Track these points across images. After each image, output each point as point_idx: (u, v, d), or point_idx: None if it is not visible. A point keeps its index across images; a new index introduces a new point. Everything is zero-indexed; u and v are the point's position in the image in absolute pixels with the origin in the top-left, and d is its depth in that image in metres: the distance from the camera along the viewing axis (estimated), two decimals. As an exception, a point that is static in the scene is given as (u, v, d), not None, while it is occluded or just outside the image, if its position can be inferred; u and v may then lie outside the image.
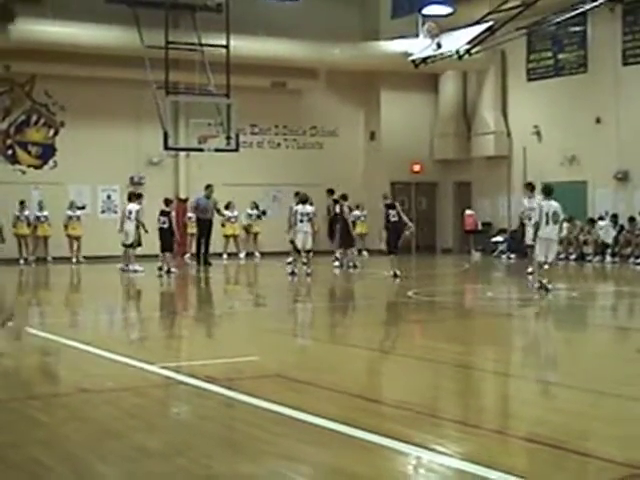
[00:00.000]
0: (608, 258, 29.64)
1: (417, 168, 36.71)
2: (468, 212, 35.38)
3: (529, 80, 34.12)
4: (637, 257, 28.65)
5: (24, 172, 31.86)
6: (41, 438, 6.85)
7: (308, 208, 24.70)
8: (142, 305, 19.80)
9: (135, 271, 25.48)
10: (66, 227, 31.06)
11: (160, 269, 25.02)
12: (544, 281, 18.55)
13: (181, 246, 30.98)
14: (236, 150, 28.06)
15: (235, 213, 32.48)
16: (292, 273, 24.37)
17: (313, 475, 6.08)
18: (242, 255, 32.68)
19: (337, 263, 27.51)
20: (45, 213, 31.11)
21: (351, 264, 27.36)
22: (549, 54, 33.23)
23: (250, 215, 33.34)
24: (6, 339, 13.29)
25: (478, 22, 28.51)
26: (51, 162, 32.29)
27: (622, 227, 29.94)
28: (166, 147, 28.16)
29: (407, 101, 36.69)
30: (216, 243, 30.04)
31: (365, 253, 33.56)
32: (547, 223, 18.46)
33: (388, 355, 11.85)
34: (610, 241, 29.81)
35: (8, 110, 31.78)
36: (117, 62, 30.48)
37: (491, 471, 5.76)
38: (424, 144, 36.98)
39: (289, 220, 25.13)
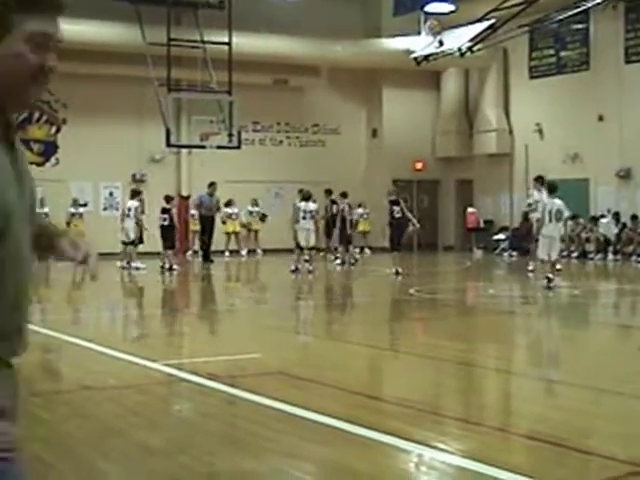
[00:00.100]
0: (610, 256, 29.64)
1: (419, 166, 36.75)
2: (470, 210, 35.38)
3: (531, 78, 34.12)
4: (639, 255, 28.64)
5: (26, 169, 31.86)
6: (43, 435, 6.85)
7: (311, 205, 24.74)
8: (144, 302, 19.82)
9: (137, 268, 25.50)
10: (68, 224, 31.05)
11: (162, 267, 25.05)
12: (550, 276, 18.50)
13: (183, 243, 31.00)
14: (238, 147, 28.06)
15: (236, 210, 32.46)
16: (295, 270, 24.35)
17: (315, 472, 6.09)
18: (244, 252, 32.68)
19: (339, 261, 27.52)
20: (46, 210, 31.11)
21: (352, 260, 27.43)
22: (551, 52, 33.22)
23: (251, 212, 33.31)
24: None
25: (480, 20, 28.50)
26: (53, 159, 32.31)
27: (624, 225, 29.94)
28: (168, 144, 28.17)
29: (409, 99, 36.69)
30: (217, 240, 30.06)
31: (367, 251, 33.58)
32: (550, 221, 18.47)
33: (390, 353, 11.86)
34: (612, 237, 29.81)
35: (10, 107, 31.78)
36: (119, 59, 30.49)
37: (493, 469, 5.76)
38: (426, 142, 36.98)
39: (293, 217, 25.14)
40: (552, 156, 32.05)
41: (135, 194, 26.15)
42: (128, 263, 25.84)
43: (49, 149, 32.31)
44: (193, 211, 31.52)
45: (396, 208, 23.65)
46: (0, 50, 2.47)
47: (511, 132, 34.91)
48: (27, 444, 6.64)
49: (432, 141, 37.22)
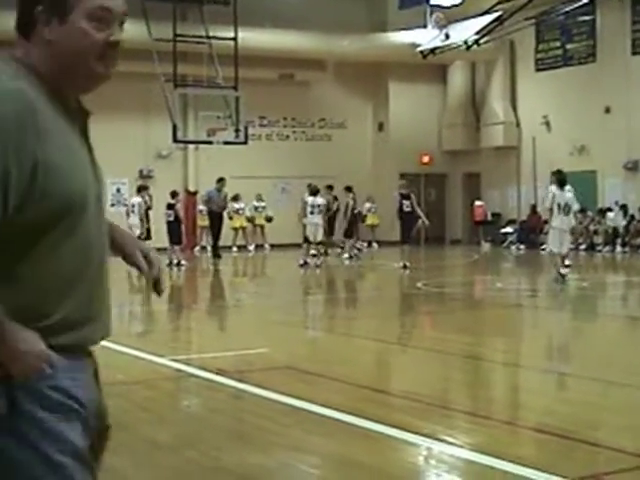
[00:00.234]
0: (618, 248, 29.59)
1: (426, 159, 36.72)
2: (477, 203, 35.33)
3: (538, 70, 34.04)
4: (647, 247, 28.62)
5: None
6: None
7: (319, 200, 24.76)
8: (152, 298, 19.83)
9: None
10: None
11: (170, 262, 25.05)
12: (562, 271, 18.43)
13: (190, 239, 31.01)
14: (245, 143, 28.05)
15: (242, 205, 32.44)
16: (304, 264, 24.34)
17: (322, 466, 6.09)
18: (251, 247, 32.67)
19: (346, 255, 27.53)
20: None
21: (355, 252, 27.53)
22: (558, 44, 33.14)
23: (256, 208, 33.25)
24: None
25: (486, 12, 28.45)
26: (60, 156, 32.31)
27: (632, 217, 29.89)
28: (175, 140, 28.18)
29: (415, 92, 36.63)
30: (225, 236, 30.06)
31: (375, 245, 33.57)
32: (559, 213, 18.43)
33: (398, 346, 11.85)
34: (621, 229, 29.78)
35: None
36: (125, 55, 29.49)
37: (501, 461, 5.77)
38: (433, 135, 36.94)
39: (301, 212, 25.15)
40: (559, 148, 31.98)
41: (140, 190, 26.16)
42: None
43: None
44: (201, 207, 31.52)
45: (406, 202, 23.62)
46: (64, 29, 2.47)
47: (518, 125, 34.85)
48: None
49: (439, 134, 37.17)
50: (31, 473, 2.39)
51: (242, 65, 27.62)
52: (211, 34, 28.28)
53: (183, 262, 25.40)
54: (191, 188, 33.49)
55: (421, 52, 31.54)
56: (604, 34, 31.28)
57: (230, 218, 31.51)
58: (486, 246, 34.05)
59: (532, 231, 32.48)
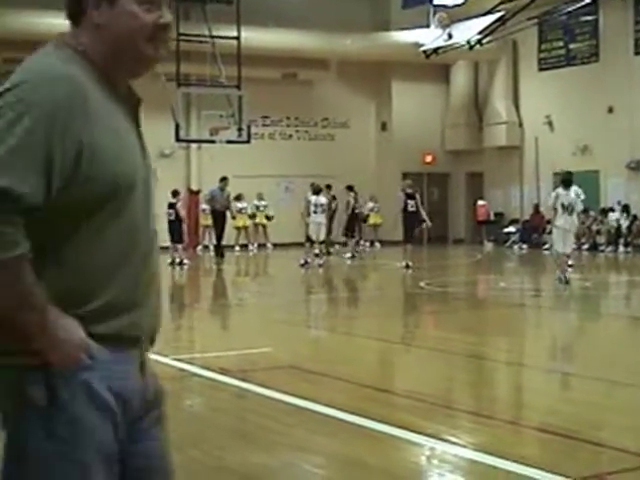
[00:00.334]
0: (621, 248, 29.58)
1: (429, 159, 36.72)
2: (480, 202, 35.31)
3: (540, 70, 34.03)
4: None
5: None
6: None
7: (322, 199, 24.74)
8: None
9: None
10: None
11: (172, 262, 25.02)
12: (567, 276, 18.29)
13: (193, 238, 31.00)
14: (248, 142, 28.05)
15: (245, 204, 32.44)
16: (304, 263, 24.33)
17: (326, 466, 6.09)
18: (252, 247, 32.65)
19: (348, 254, 27.53)
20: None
21: (355, 252, 27.59)
22: (560, 44, 33.13)
23: (257, 207, 33.21)
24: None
25: (489, 12, 28.43)
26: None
27: (635, 217, 29.88)
28: (178, 139, 28.19)
29: (418, 92, 36.63)
30: (228, 235, 30.05)
31: (378, 244, 33.57)
32: (563, 213, 18.39)
33: (401, 346, 11.85)
34: (624, 229, 29.76)
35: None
36: (128, 54, 30.49)
37: (504, 461, 5.77)
38: (435, 135, 36.93)
39: (305, 211, 25.13)
40: (562, 148, 31.96)
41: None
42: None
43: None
44: (204, 206, 31.52)
45: (411, 202, 23.59)
46: (113, 12, 2.48)
47: (521, 124, 34.85)
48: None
49: (442, 134, 37.17)
50: (53, 468, 2.39)
51: (245, 64, 27.60)
52: (214, 33, 28.26)
53: (185, 261, 25.40)
54: (194, 187, 33.50)
55: (424, 52, 31.51)
56: (607, 34, 31.27)
57: (233, 217, 31.50)
58: (489, 246, 34.03)
59: (535, 231, 32.50)
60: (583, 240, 30.20)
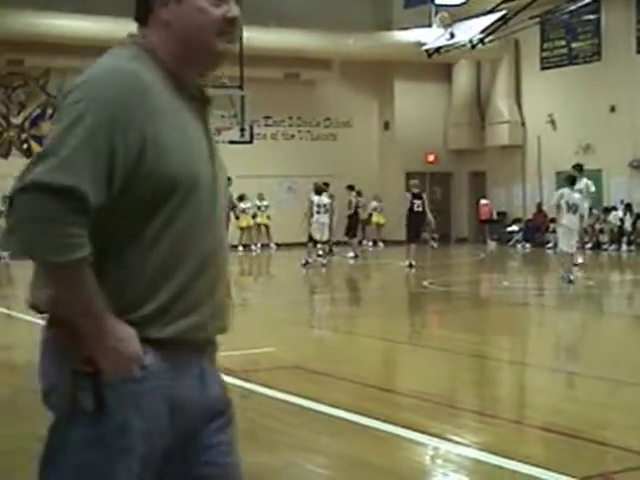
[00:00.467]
0: (624, 247, 29.56)
1: (431, 158, 36.70)
2: (483, 202, 35.29)
3: (543, 69, 34.01)
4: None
5: (39, 166, 31.96)
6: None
7: (324, 199, 24.72)
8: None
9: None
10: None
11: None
12: (571, 277, 18.25)
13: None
14: (250, 142, 28.02)
15: (249, 205, 32.45)
16: (306, 264, 24.33)
17: (329, 466, 6.09)
18: (257, 247, 32.65)
19: (352, 254, 27.53)
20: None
21: (356, 253, 27.60)
22: (563, 43, 33.10)
23: (259, 207, 33.18)
24: (21, 331, 13.33)
25: (491, 11, 28.44)
26: (66, 156, 32.31)
27: (638, 215, 29.85)
28: (180, 139, 28.18)
29: (421, 91, 36.61)
30: (231, 235, 30.05)
31: (381, 244, 33.56)
32: (567, 212, 18.37)
33: (405, 345, 11.84)
34: (629, 228, 29.75)
35: (23, 104, 31.88)
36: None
37: (509, 461, 5.76)
38: (438, 134, 36.91)
39: (308, 211, 25.11)
40: (564, 147, 31.93)
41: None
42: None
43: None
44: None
45: (417, 202, 23.58)
46: (181, 8, 2.48)
47: (523, 124, 34.82)
48: (42, 442, 6.67)
49: (444, 133, 37.15)
50: (91, 473, 2.38)
51: (247, 64, 27.57)
52: (216, 33, 28.25)
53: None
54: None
55: (426, 51, 31.51)
56: (609, 33, 31.24)
57: (237, 218, 31.52)
58: (492, 245, 34.00)
59: (538, 230, 32.47)
60: (586, 239, 30.16)
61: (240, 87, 27.42)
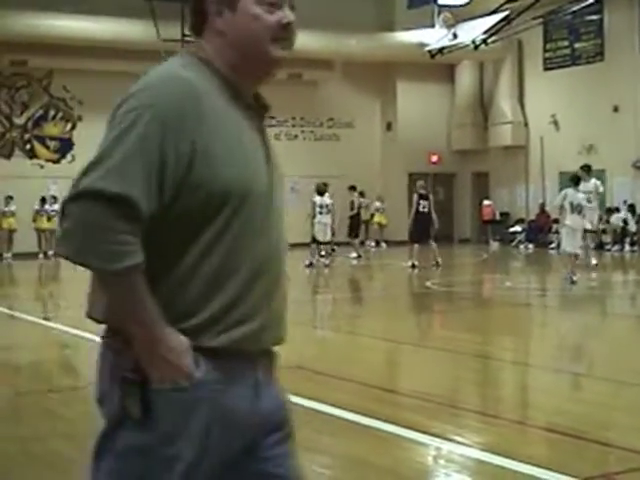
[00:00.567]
0: (627, 247, 29.54)
1: (434, 159, 36.70)
2: (486, 202, 35.30)
3: (546, 69, 34.00)
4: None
5: (42, 166, 31.98)
6: (63, 431, 6.88)
7: (327, 200, 24.71)
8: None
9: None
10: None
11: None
12: (574, 277, 18.20)
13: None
14: (253, 142, 28.03)
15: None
16: (310, 265, 24.33)
17: (332, 466, 6.08)
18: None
19: (354, 254, 27.52)
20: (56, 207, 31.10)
21: (359, 254, 27.59)
22: (566, 43, 33.09)
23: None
24: (23, 332, 13.34)
25: (494, 12, 28.42)
26: (69, 156, 32.36)
27: (641, 216, 29.87)
28: (183, 140, 28.18)
29: (423, 91, 36.61)
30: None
31: (383, 244, 33.55)
32: (572, 212, 18.35)
33: (407, 346, 11.83)
34: (634, 228, 29.72)
35: (26, 105, 31.93)
36: (134, 56, 30.42)
37: (511, 461, 5.75)
38: (441, 135, 36.91)
39: (311, 212, 25.10)
40: (567, 147, 31.92)
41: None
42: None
43: (65, 146, 32.38)
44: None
45: (423, 202, 23.56)
46: (235, 17, 2.48)
47: (526, 124, 34.81)
48: (47, 439, 6.67)
49: (447, 134, 37.14)
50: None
51: (250, 65, 27.60)
52: (219, 34, 28.26)
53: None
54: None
55: (429, 52, 31.51)
56: (612, 33, 31.23)
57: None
58: (495, 245, 34.01)
59: (540, 230, 32.46)
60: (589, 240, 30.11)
61: (242, 87, 27.39)
